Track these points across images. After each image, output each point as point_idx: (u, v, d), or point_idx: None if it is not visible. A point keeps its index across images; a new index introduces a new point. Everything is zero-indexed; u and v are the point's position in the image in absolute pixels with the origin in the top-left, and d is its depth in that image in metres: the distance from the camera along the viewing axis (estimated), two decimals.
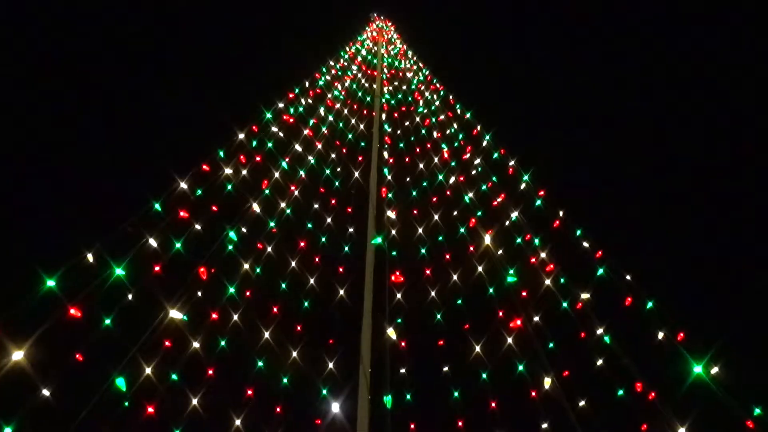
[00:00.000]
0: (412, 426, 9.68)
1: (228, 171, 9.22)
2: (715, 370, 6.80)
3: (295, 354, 9.47)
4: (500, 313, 9.71)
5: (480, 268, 9.99)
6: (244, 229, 9.27)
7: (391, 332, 7.29)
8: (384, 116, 13.29)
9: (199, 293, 8.27)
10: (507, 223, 10.38)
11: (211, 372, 8.75)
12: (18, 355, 5.16)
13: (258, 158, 10.13)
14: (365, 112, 13.68)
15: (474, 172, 11.81)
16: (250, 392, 9.17)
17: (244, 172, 9.69)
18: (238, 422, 8.64)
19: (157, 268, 7.51)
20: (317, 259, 10.69)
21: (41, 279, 5.67)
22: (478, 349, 9.31)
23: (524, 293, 9.54)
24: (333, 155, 11.98)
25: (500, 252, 9.89)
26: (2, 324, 5.17)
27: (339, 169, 11.89)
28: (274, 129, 10.88)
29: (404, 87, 15.63)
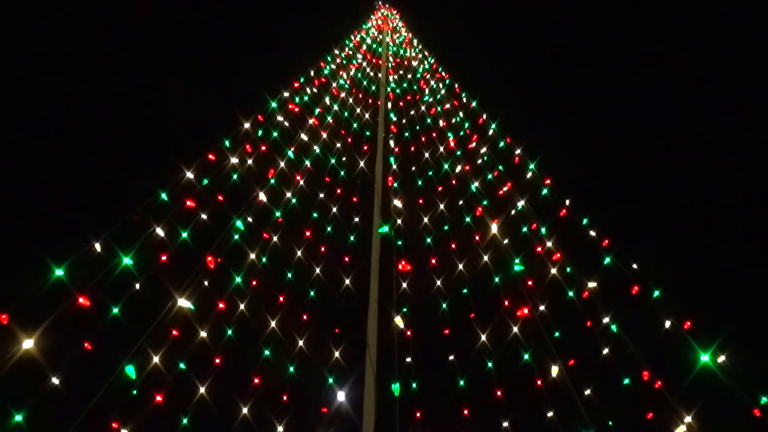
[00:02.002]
0: (418, 414, 9.71)
1: (234, 160, 9.21)
2: (722, 358, 6.79)
3: (301, 343, 9.51)
4: (506, 302, 9.72)
5: (486, 257, 9.99)
6: (250, 219, 9.27)
7: (398, 321, 7.29)
8: (389, 105, 13.24)
9: (206, 282, 8.29)
10: (513, 212, 10.35)
11: (218, 361, 8.78)
12: (28, 344, 5.19)
13: (263, 148, 10.11)
14: (370, 101, 13.62)
15: (480, 161, 11.77)
16: (256, 381, 9.20)
17: (250, 161, 9.67)
18: (245, 410, 8.68)
19: (164, 258, 7.54)
20: (323, 249, 10.70)
21: (50, 268, 5.70)
22: (483, 338, 9.30)
23: (530, 282, 9.52)
24: (338, 144, 11.94)
25: (506, 241, 9.88)
26: (12, 313, 5.22)
27: (344, 159, 11.86)
28: (280, 118, 10.85)
29: (410, 76, 15.55)
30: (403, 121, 13.35)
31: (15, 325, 5.26)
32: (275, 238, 9.88)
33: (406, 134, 12.95)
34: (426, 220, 10.94)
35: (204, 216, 8.44)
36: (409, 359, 9.52)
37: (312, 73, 12.86)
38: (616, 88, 18.22)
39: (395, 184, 10.77)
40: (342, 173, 11.63)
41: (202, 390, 8.29)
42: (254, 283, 9.45)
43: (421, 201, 11.31)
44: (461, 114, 13.21)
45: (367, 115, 13.05)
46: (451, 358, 9.98)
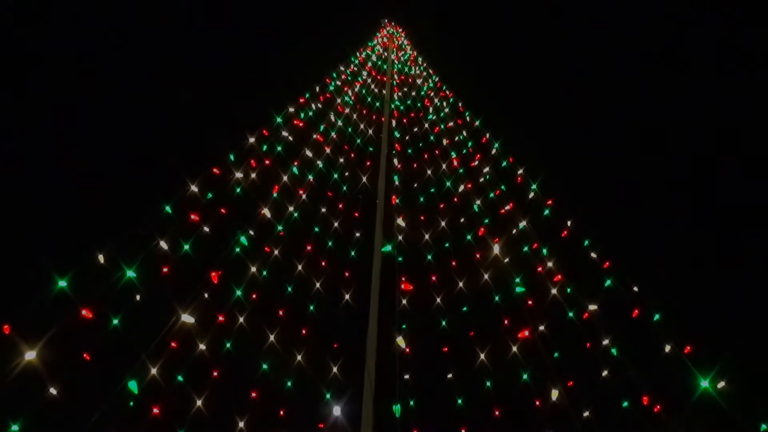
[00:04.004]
0: None
1: (238, 174, 9.27)
2: (722, 384, 6.78)
3: (299, 357, 9.50)
4: (506, 321, 9.72)
5: (486, 276, 10.00)
6: (251, 232, 9.30)
7: (400, 341, 7.30)
8: (394, 122, 13.31)
9: (206, 295, 8.30)
10: (514, 231, 10.38)
11: (215, 374, 8.76)
12: (30, 356, 5.20)
13: (267, 162, 10.17)
14: (374, 117, 13.70)
15: (482, 179, 11.82)
16: (254, 395, 9.17)
17: (254, 175, 9.73)
18: (241, 424, 8.65)
19: (165, 270, 7.56)
20: (324, 263, 10.71)
21: (52, 280, 5.72)
22: (482, 356, 9.29)
23: (530, 302, 9.52)
24: (342, 160, 12.01)
25: (507, 260, 9.89)
26: (14, 324, 5.23)
27: (347, 174, 11.91)
28: (285, 133, 10.92)
29: (414, 93, 15.65)
30: (407, 137, 13.43)
31: (17, 335, 5.27)
32: (276, 252, 9.90)
33: (409, 151, 13.03)
34: (427, 237, 10.98)
35: (207, 229, 8.48)
36: (407, 376, 9.50)
37: (318, 89, 12.96)
38: (623, 109, 18.28)
39: (398, 201, 10.81)
40: (344, 188, 11.68)
41: (199, 403, 8.26)
42: (254, 296, 9.46)
43: (422, 218, 11.35)
44: (464, 132, 13.28)
45: (370, 132, 13.13)
46: (450, 376, 9.97)
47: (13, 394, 5.17)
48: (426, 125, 14.08)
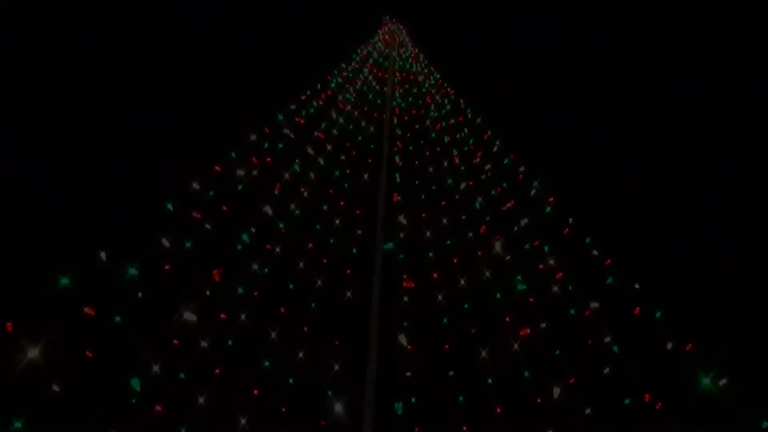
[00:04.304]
0: (417, 429, 9.71)
1: (240, 172, 9.29)
2: (723, 381, 6.79)
3: (301, 355, 9.53)
4: (507, 319, 9.74)
5: (488, 273, 10.02)
6: (253, 230, 9.32)
7: (402, 339, 7.33)
8: (395, 119, 13.30)
9: (208, 293, 8.32)
10: (516, 228, 10.40)
11: (217, 371, 8.79)
12: (33, 353, 5.21)
13: (269, 160, 10.19)
14: (375, 114, 13.69)
15: (484, 177, 11.82)
16: (255, 392, 9.20)
17: (255, 173, 9.74)
18: (243, 422, 8.67)
19: (167, 268, 7.58)
20: (325, 261, 10.73)
21: (55, 278, 5.74)
22: (484, 354, 9.32)
23: (532, 299, 9.54)
24: (343, 157, 12.01)
25: (508, 257, 9.91)
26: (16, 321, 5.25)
27: (348, 171, 11.92)
28: (286, 131, 10.94)
29: (415, 90, 15.61)
30: (408, 135, 13.42)
31: (19, 333, 5.29)
32: (277, 249, 9.92)
33: (411, 148, 13.02)
34: (428, 234, 10.99)
35: (208, 226, 8.50)
36: (408, 374, 9.53)
37: (319, 86, 12.96)
38: (626, 105, 18.23)
39: (399, 198, 10.82)
40: (345, 186, 11.68)
41: (201, 400, 8.29)
42: (255, 294, 9.48)
43: (423, 215, 11.35)
44: (466, 130, 13.27)
45: (371, 129, 13.13)
46: (451, 373, 9.99)
47: (16, 392, 5.19)
48: (427, 122, 14.06)
